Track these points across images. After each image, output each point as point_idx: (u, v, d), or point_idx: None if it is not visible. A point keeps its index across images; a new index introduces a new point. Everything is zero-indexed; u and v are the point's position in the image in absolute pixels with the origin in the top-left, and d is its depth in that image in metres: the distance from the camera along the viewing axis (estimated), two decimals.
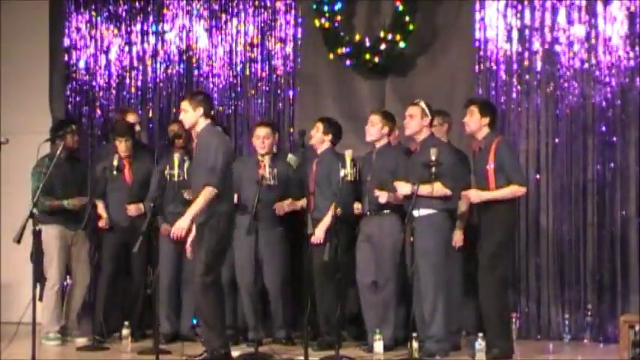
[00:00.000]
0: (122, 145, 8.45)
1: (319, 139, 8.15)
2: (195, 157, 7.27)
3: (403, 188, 7.49)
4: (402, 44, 8.87)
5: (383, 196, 7.64)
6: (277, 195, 8.18)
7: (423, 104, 7.61)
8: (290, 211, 8.25)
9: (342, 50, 9.05)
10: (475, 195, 7.42)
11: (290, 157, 8.54)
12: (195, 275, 7.10)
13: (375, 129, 7.86)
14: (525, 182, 7.54)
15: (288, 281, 8.29)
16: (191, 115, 7.19)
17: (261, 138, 8.17)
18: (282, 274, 8.24)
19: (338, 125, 8.28)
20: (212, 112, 7.39)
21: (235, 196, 7.89)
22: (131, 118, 8.88)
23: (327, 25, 9.09)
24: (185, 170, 8.08)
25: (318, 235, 7.86)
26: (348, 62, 9.10)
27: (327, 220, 7.80)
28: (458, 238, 7.83)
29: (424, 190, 7.30)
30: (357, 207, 7.92)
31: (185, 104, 7.23)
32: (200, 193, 7.02)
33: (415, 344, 7.18)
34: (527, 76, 8.78)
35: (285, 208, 8.18)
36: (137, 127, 8.87)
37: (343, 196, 7.71)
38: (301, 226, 8.15)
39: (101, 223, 8.43)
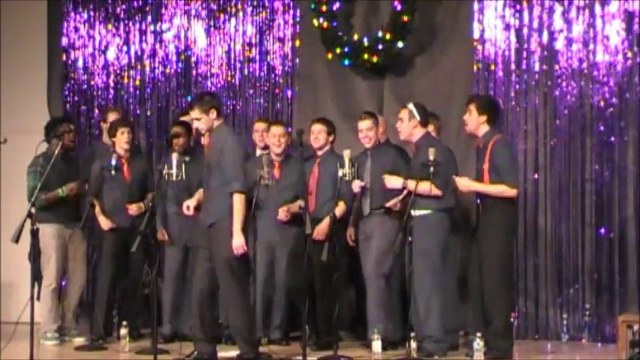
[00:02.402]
0: (124, 137, 8.40)
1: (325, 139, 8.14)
2: (207, 156, 7.13)
3: (392, 182, 7.51)
4: (400, 44, 8.87)
5: (398, 205, 7.60)
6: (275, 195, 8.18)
7: (410, 106, 7.62)
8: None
9: (341, 50, 9.05)
10: (463, 183, 7.43)
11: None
12: (221, 280, 7.00)
13: (372, 132, 7.88)
14: (516, 184, 7.44)
15: (285, 282, 8.29)
16: (206, 120, 7.05)
17: (277, 137, 8.17)
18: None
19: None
20: (221, 109, 7.27)
21: None
22: (113, 115, 8.87)
23: (325, 24, 9.08)
24: (184, 170, 8.07)
25: (321, 231, 7.85)
26: (346, 62, 9.09)
27: (328, 219, 7.81)
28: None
29: (423, 187, 7.29)
30: (358, 183, 7.84)
31: (196, 113, 7.07)
32: (232, 202, 6.91)
33: (413, 344, 7.20)
34: (525, 76, 8.79)
35: (286, 214, 8.15)
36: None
37: (342, 196, 7.73)
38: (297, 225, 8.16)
39: (105, 226, 8.40)
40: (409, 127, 7.60)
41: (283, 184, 8.17)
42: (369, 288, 7.77)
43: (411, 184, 7.33)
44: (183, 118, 8.63)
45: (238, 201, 6.93)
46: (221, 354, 7.23)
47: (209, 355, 7.12)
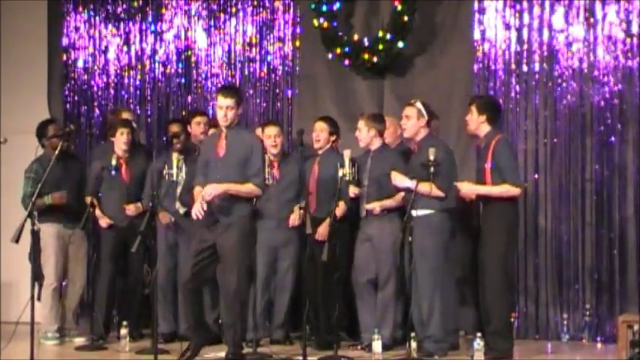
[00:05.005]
0: (123, 137, 8.41)
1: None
2: (228, 153, 7.12)
3: (400, 180, 7.49)
4: (400, 44, 8.87)
5: (376, 210, 7.66)
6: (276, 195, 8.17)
7: (419, 104, 7.60)
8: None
9: (341, 50, 9.05)
10: (466, 188, 7.43)
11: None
12: (230, 280, 6.99)
13: (362, 134, 7.88)
14: (520, 183, 7.50)
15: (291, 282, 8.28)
16: (235, 113, 7.15)
17: (273, 137, 8.16)
18: None
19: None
20: None
21: None
22: (125, 115, 8.88)
23: (325, 24, 9.08)
24: (184, 170, 8.07)
25: (323, 232, 7.84)
26: (346, 62, 9.09)
27: (329, 219, 7.80)
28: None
29: (423, 187, 7.29)
30: (354, 190, 7.85)
31: (232, 101, 7.12)
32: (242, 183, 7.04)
33: (413, 344, 7.20)
34: (525, 76, 8.79)
35: (297, 221, 8.11)
36: (133, 125, 8.86)
37: (342, 196, 7.72)
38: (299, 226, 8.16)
39: (103, 224, 8.41)
40: (417, 126, 7.59)
41: (283, 184, 8.16)
42: (376, 292, 7.83)
43: (419, 187, 7.31)
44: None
45: (252, 188, 7.06)
46: (219, 354, 7.23)
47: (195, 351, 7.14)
